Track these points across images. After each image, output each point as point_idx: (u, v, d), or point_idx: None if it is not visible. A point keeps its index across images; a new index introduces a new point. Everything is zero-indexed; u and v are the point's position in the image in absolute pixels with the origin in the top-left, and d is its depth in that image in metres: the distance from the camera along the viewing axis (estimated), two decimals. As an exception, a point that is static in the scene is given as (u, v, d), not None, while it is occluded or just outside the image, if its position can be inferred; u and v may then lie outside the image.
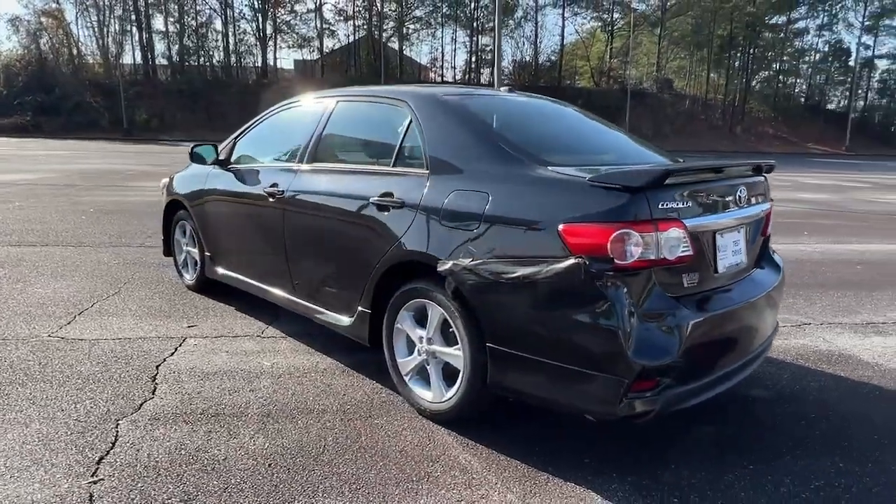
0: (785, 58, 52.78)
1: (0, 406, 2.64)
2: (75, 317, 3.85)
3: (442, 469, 2.28)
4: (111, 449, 2.34)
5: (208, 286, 4.38)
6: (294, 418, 2.64)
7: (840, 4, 50.16)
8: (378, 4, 47.63)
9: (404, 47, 51.40)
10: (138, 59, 45.54)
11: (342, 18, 49.46)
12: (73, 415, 2.59)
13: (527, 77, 48.58)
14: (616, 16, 51.45)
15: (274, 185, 3.40)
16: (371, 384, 3.00)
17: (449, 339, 2.56)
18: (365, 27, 49.46)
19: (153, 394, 2.82)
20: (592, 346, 2.08)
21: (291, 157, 3.47)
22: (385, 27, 49.15)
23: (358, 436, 2.51)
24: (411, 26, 50.29)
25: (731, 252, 2.48)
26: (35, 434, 2.42)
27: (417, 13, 49.59)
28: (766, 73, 53.72)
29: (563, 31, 51.41)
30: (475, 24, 49.90)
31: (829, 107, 54.31)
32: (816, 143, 47.83)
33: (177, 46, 45.77)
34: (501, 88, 3.44)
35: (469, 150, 2.55)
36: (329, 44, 50.57)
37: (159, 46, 46.05)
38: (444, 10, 49.11)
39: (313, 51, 49.58)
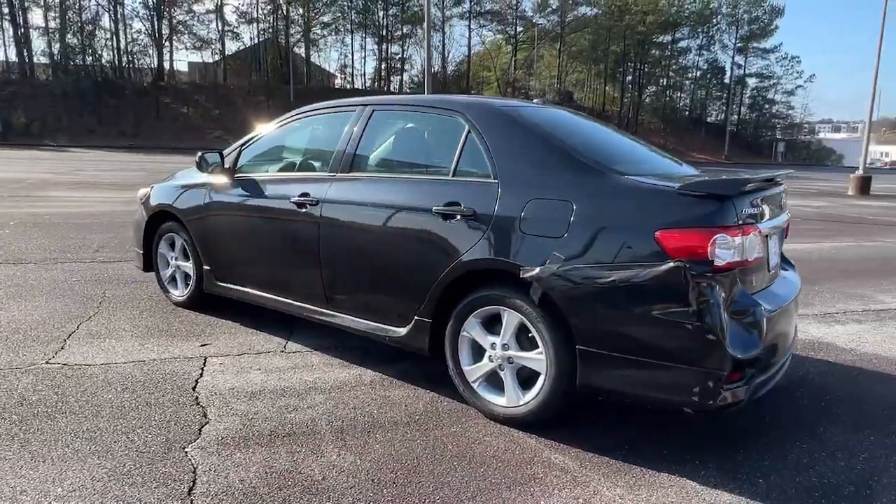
0: (671, 74, 57.31)
1: (38, 441, 2.38)
2: (65, 341, 3.50)
3: (542, 470, 2.34)
4: (195, 478, 2.19)
5: (202, 302, 4.13)
6: (370, 433, 2.59)
7: (716, 27, 55.30)
8: (284, 8, 46.42)
9: (312, 53, 50.48)
10: (12, 57, 41.39)
11: (245, 21, 47.71)
12: (132, 446, 2.38)
13: (437, 86, 49.24)
14: (519, 29, 53.52)
15: (304, 195, 3.30)
16: (427, 394, 2.99)
17: (523, 344, 2.63)
18: (270, 31, 48.02)
19: (206, 417, 2.65)
20: (691, 342, 2.23)
21: (322, 167, 3.39)
22: (292, 32, 47.97)
23: (444, 445, 2.50)
24: (319, 32, 49.48)
25: (773, 253, 2.75)
26: (101, 469, 2.21)
27: (325, 19, 48.88)
28: (655, 87, 58.04)
29: (469, 42, 52.50)
30: (384, 32, 49.97)
31: (710, 119, 59.61)
32: (700, 152, 52.27)
33: (58, 44, 42.02)
34: (535, 100, 3.55)
35: (542, 161, 2.64)
36: (232, 46, 48.59)
37: (38, 43, 42.13)
38: (352, 18, 48.72)
39: (215, 53, 47.38)
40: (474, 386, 2.78)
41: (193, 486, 2.14)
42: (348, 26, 49.45)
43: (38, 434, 2.44)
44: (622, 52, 52.90)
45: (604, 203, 2.43)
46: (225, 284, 3.88)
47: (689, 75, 58.06)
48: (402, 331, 2.98)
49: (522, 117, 2.89)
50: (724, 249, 2.22)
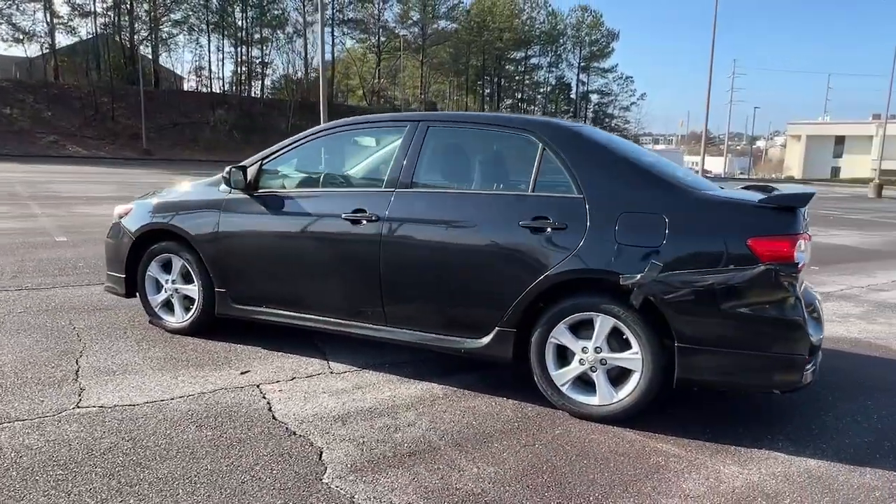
0: (524, 88, 61.28)
1: (157, 493, 2.13)
2: (78, 382, 3.07)
3: (661, 459, 2.57)
4: (361, 507, 2.12)
5: (206, 328, 3.83)
6: (486, 443, 2.64)
7: (563, 47, 60.17)
8: (127, 2, 42.39)
9: (162, 53, 46.64)
10: None
11: (79, 14, 42.77)
12: (265, 484, 2.22)
13: (299, 92, 47.99)
14: (382, 39, 53.95)
15: (359, 210, 3.24)
16: (506, 401, 3.09)
17: (613, 346, 2.85)
18: (112, 26, 43.56)
19: (316, 447, 2.53)
20: (781, 332, 2.61)
21: (373, 182, 3.35)
22: (137, 28, 43.95)
23: (562, 447, 2.64)
24: (168, 30, 45.85)
25: (795, 255, 3.26)
26: (257, 512, 2.05)
27: (175, 16, 45.41)
28: (511, 100, 61.69)
29: (332, 48, 51.84)
30: (242, 35, 47.63)
31: (560, 131, 64.46)
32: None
33: None
34: (565, 118, 3.80)
35: (629, 180, 2.89)
36: (64, 41, 43.32)
37: None
38: (208, 18, 45.78)
39: (44, 47, 41.93)
40: (563, 389, 2.94)
41: (366, 515, 2.08)
42: (203, 26, 46.40)
43: (147, 485, 2.18)
44: (481, 65, 55.58)
45: (694, 216, 2.74)
46: (245, 307, 3.64)
47: (541, 90, 62.57)
48: (482, 342, 3.05)
49: (592, 137, 3.12)
50: (801, 253, 2.64)
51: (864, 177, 49.55)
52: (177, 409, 2.82)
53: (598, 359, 2.86)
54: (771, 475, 2.46)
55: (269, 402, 2.94)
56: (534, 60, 60.23)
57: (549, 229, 2.87)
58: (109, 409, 2.78)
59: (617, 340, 2.84)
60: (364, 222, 3.22)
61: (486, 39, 52.86)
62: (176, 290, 3.87)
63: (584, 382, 2.94)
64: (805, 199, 2.71)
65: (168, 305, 3.95)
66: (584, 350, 2.88)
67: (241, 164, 3.65)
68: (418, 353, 3.67)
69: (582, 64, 60.88)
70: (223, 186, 3.68)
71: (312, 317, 3.47)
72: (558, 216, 2.87)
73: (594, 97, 64.23)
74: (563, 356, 2.96)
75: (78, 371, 3.21)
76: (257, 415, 2.80)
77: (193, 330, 3.84)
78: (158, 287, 3.95)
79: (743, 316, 2.63)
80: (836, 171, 64.87)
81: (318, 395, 3.06)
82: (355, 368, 3.46)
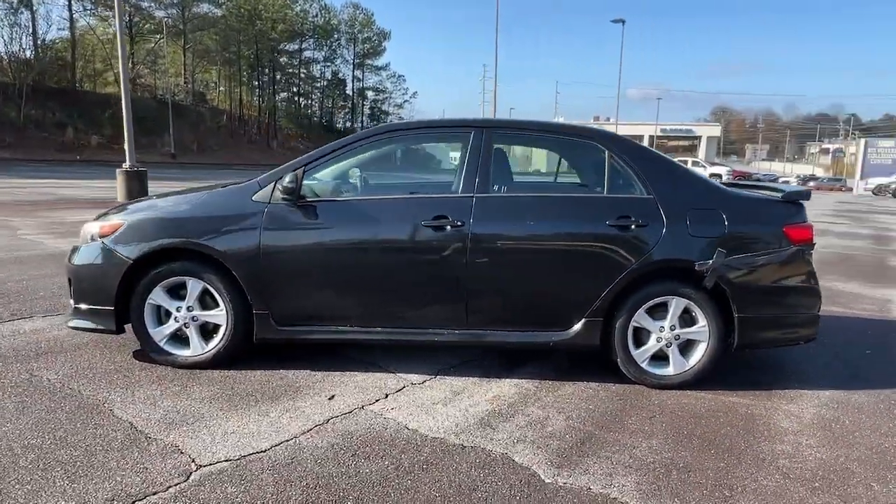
0: (300, 82, 59.87)
1: (425, 528, 2.00)
2: (158, 440, 2.54)
3: (743, 409, 3.15)
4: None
5: (232, 358, 3.37)
6: (621, 420, 2.93)
7: (337, 42, 60.20)
8: None
9: None
10: None
11: None
12: (501, 497, 2.22)
13: (30, 75, 40.01)
14: (136, 19, 47.74)
15: (440, 217, 3.21)
16: (591, 385, 3.38)
17: (682, 323, 3.35)
18: None
19: (510, 456, 2.53)
20: (807, 297, 3.38)
21: (441, 187, 3.35)
22: None
23: (675, 413, 3.05)
24: None
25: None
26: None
27: None
28: (287, 93, 59.78)
29: (72, 25, 44.14)
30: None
31: (339, 126, 64.66)
32: (335, 157, 56.44)
33: None
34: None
35: (687, 181, 3.40)
36: None
37: None
38: None
39: None
40: (643, 366, 3.36)
41: (627, 500, 2.24)
42: None
43: (402, 523, 2.02)
44: (255, 56, 52.72)
45: (743, 210, 3.36)
46: (293, 328, 3.32)
47: (318, 84, 61.78)
48: (570, 333, 3.31)
49: (645, 147, 3.58)
50: (814, 236, 3.44)
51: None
52: (317, 446, 2.54)
53: (674, 335, 3.34)
54: (825, 406, 3.21)
55: (398, 422, 2.81)
56: (308, 54, 59.21)
57: (633, 226, 3.25)
58: (244, 461, 2.40)
59: (684, 318, 3.35)
60: (448, 228, 3.22)
61: (260, 29, 50.30)
62: (193, 317, 3.32)
63: (657, 358, 3.39)
64: (808, 194, 3.53)
65: (177, 337, 3.36)
66: (660, 329, 3.34)
67: (274, 171, 3.30)
68: (465, 354, 3.76)
69: (357, 61, 61.70)
70: (259, 195, 3.28)
71: (379, 330, 3.33)
72: (638, 215, 3.27)
73: (370, 94, 65.71)
74: (639, 337, 3.38)
75: (139, 429, 2.63)
76: (407, 436, 2.68)
77: (217, 361, 3.34)
78: (160, 318, 3.34)
79: (782, 287, 3.35)
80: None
81: (434, 408, 3.00)
82: (429, 376, 3.41)
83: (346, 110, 65.22)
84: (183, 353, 3.35)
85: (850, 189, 43.60)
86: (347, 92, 63.68)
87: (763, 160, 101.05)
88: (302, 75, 59.37)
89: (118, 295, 3.26)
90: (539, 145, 3.68)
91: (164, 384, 3.11)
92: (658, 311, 3.35)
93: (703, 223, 3.29)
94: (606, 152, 3.41)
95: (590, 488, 2.31)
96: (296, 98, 60.05)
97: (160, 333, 3.34)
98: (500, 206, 3.30)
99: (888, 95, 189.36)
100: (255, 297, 3.26)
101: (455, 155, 4.00)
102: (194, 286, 3.29)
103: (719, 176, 38.55)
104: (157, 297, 3.30)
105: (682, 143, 65.84)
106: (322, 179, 3.41)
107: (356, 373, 3.40)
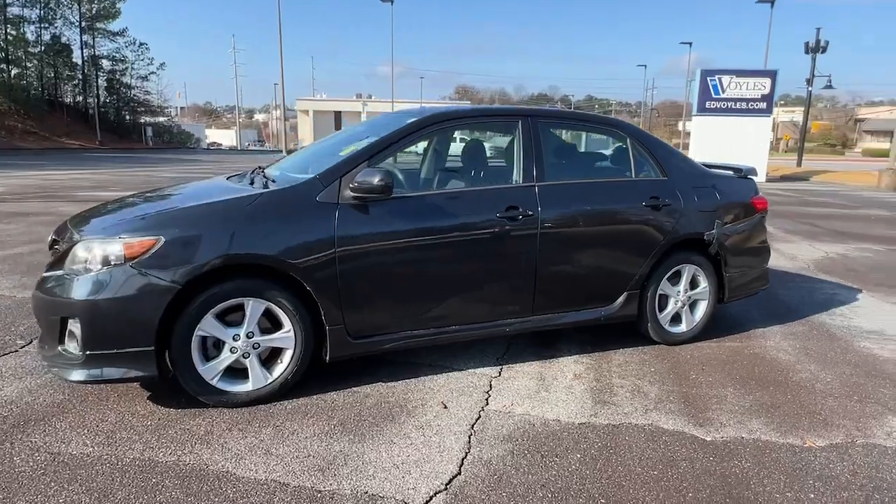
0: (7, 45, 48.69)
1: (687, 503, 2.15)
2: (355, 472, 2.18)
3: (765, 352, 3.83)
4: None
5: (292, 384, 2.95)
6: (706, 371, 3.35)
7: (56, 1, 50.23)
8: None
9: None
10: None
11: None
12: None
13: None
14: None
15: (512, 207, 3.21)
16: (637, 349, 3.75)
17: (690, 287, 3.90)
18: None
19: (658, 426, 2.75)
20: (765, 254, 4.20)
21: (502, 176, 3.32)
22: None
23: (727, 368, 3.59)
24: None
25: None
26: None
27: None
28: (-10, 60, 48.13)
29: None
30: None
31: (68, 101, 54.52)
32: (69, 137, 47.80)
33: None
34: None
35: (689, 164, 3.90)
36: None
37: None
38: None
39: None
40: (666, 327, 3.84)
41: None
42: None
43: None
44: (-63, 10, 41.16)
45: (726, 186, 3.99)
46: (368, 339, 3.03)
47: (35, 50, 50.85)
48: (615, 306, 3.62)
49: (648, 133, 3.97)
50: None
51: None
52: (500, 457, 2.45)
53: (686, 297, 3.87)
54: (790, 337, 4.07)
55: (534, 416, 2.81)
56: (16, 10, 48.21)
57: (661, 206, 3.66)
58: (453, 488, 2.21)
59: (691, 283, 3.91)
60: (520, 218, 3.23)
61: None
62: (255, 344, 2.80)
63: (673, 320, 3.89)
64: (755, 171, 4.33)
65: (231, 371, 2.80)
66: (677, 294, 3.84)
67: (334, 167, 2.93)
68: (513, 338, 3.83)
69: (85, 24, 52.24)
70: (324, 195, 2.87)
71: (454, 328, 3.22)
72: (663, 195, 3.69)
73: (106, 63, 56.35)
74: (661, 303, 3.83)
75: (304, 486, 2.20)
76: (560, 426, 2.71)
77: (284, 391, 2.89)
78: (206, 352, 2.75)
79: (752, 247, 4.11)
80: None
81: (540, 395, 3.05)
82: (496, 367, 3.41)
83: (76, 82, 55.05)
84: (242, 388, 2.81)
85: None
86: (75, 60, 53.67)
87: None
88: (9, 37, 48.18)
89: (161, 330, 2.59)
90: (579, 133, 3.86)
91: (250, 430, 2.60)
92: (674, 279, 3.84)
93: (704, 199, 3.85)
94: (628, 140, 3.75)
95: (741, 437, 2.67)
96: (6, 66, 48.62)
97: (213, 370, 2.75)
98: (561, 194, 3.42)
99: (590, 79, 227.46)
100: (329, 310, 2.88)
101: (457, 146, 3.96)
102: (255, 308, 2.77)
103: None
104: (209, 326, 2.70)
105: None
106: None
107: (432, 376, 3.24)
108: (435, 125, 3.32)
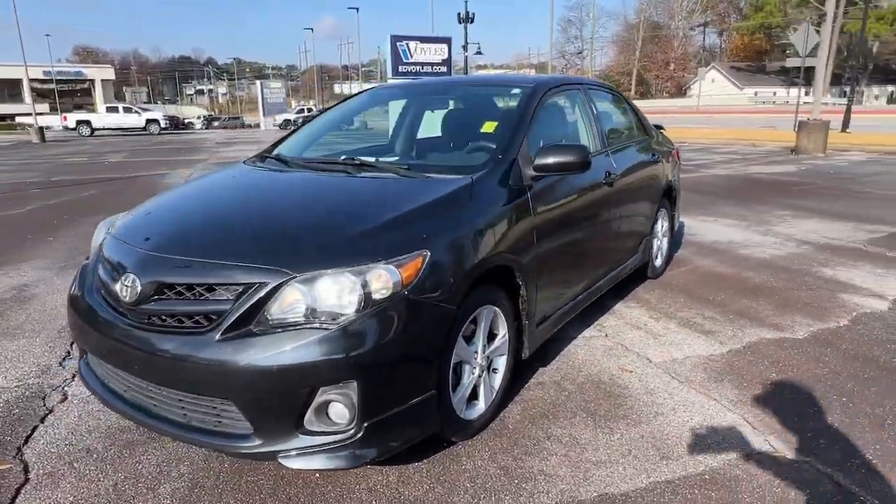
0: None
1: None
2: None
3: (739, 272, 4.77)
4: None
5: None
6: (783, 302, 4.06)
7: None
8: None
9: None
10: None
11: None
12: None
13: None
14: None
15: (607, 172, 3.33)
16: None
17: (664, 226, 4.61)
18: None
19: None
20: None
21: (589, 142, 3.37)
22: None
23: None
24: None
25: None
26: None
27: None
28: None
29: None
30: None
31: None
32: None
33: None
34: None
35: (647, 120, 4.47)
36: None
37: None
38: None
39: None
40: (656, 263, 4.47)
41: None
42: None
43: None
44: None
45: (666, 140, 4.73)
46: (544, 326, 2.83)
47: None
48: (638, 255, 4.05)
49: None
50: (670, 153, 5.20)
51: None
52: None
53: (662, 234, 4.54)
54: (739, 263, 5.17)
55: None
56: None
57: (659, 159, 4.22)
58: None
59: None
60: (613, 184, 3.38)
61: None
62: (487, 358, 2.37)
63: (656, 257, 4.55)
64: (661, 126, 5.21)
65: (469, 395, 2.33)
66: (660, 232, 4.49)
67: (503, 147, 2.62)
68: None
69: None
70: (513, 178, 2.53)
71: (583, 295, 3.23)
72: (656, 151, 4.24)
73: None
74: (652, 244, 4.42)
75: None
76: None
77: (496, 412, 2.53)
78: (453, 375, 2.24)
79: (677, 187, 5.03)
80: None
81: (664, 349, 3.32)
82: (573, 331, 3.49)
83: None
84: (476, 412, 2.37)
85: (257, 125, 48.95)
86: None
87: (145, 103, 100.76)
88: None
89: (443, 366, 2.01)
90: (603, 100, 3.92)
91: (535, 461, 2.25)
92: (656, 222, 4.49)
93: (664, 151, 4.56)
94: (624, 102, 4.15)
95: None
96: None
97: (462, 401, 2.25)
98: (620, 160, 3.62)
99: (234, 39, 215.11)
100: (530, 301, 2.60)
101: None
102: (486, 317, 2.33)
103: (157, 121, 36.90)
104: (460, 349, 2.19)
105: (76, 86, 57.84)
106: (537, 145, 2.84)
107: (570, 343, 3.22)
108: (546, 96, 3.12)
